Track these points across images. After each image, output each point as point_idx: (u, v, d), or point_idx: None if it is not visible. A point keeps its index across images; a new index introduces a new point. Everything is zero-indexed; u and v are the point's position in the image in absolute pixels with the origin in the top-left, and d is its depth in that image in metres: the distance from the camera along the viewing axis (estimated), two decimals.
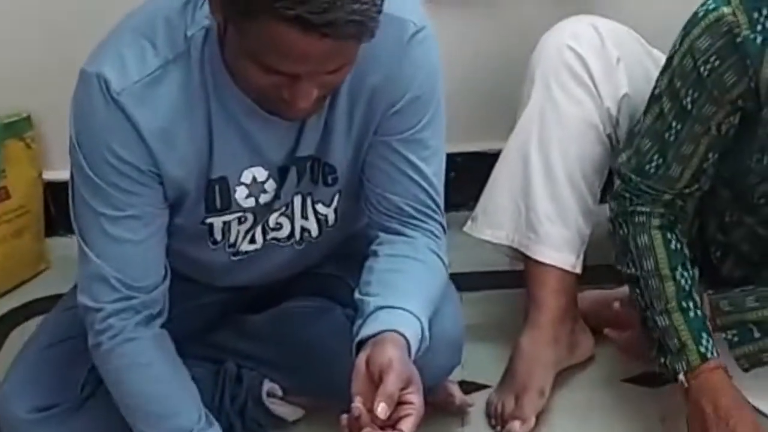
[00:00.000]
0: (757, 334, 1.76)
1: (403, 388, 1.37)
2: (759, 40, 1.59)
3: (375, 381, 1.38)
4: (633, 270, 1.76)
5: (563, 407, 1.89)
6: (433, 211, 1.64)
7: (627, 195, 1.77)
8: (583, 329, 1.97)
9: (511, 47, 2.15)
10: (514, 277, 2.02)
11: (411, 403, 1.38)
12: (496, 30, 2.23)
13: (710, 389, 1.68)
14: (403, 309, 1.48)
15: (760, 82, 1.61)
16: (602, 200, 1.94)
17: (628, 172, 1.77)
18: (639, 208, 1.76)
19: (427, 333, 1.50)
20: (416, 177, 1.61)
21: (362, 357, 1.41)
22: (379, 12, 1.34)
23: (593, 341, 1.98)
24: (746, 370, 1.79)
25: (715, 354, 1.70)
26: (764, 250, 1.85)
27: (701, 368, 1.69)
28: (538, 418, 1.84)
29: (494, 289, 2.15)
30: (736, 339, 1.77)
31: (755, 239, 1.84)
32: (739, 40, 1.60)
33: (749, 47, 1.59)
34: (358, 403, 1.36)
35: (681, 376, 1.70)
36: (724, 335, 1.78)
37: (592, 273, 1.98)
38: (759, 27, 1.58)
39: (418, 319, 1.49)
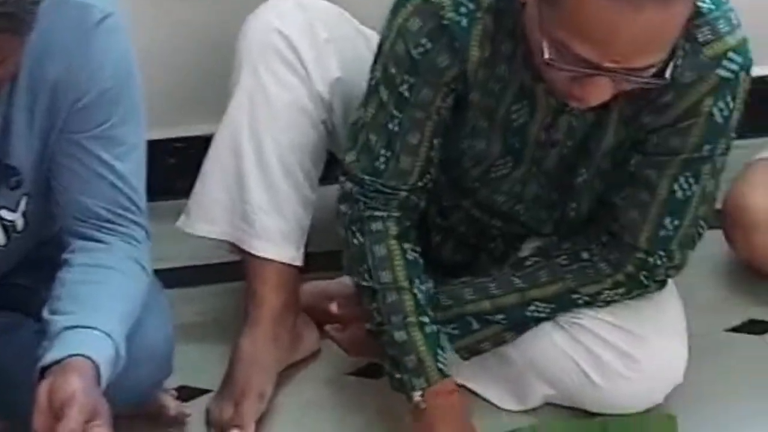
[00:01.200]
0: (476, 326, 1.74)
1: (88, 421, 1.25)
2: (464, 22, 1.54)
3: (58, 414, 1.25)
4: (369, 282, 1.68)
5: (287, 407, 1.81)
6: (133, 213, 1.51)
7: (361, 198, 1.68)
8: (306, 323, 1.89)
9: (222, 27, 2.03)
10: (234, 269, 1.92)
11: None
12: (204, 10, 2.11)
13: (446, 412, 1.63)
14: (94, 328, 1.35)
15: (468, 65, 1.57)
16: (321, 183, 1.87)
17: (359, 172, 1.67)
18: (374, 213, 1.68)
19: (123, 352, 1.38)
20: (111, 177, 1.48)
21: (44, 388, 1.28)
22: (36, 3, 1.20)
23: (318, 335, 1.90)
24: (465, 359, 1.76)
25: (450, 368, 1.66)
26: (480, 231, 1.84)
27: (439, 389, 1.64)
28: (259, 421, 1.75)
29: (213, 283, 2.05)
30: (456, 332, 1.74)
31: (471, 221, 1.82)
32: (445, 22, 1.55)
33: (455, 30, 1.55)
34: None
35: (417, 395, 1.64)
36: (444, 330, 1.73)
37: (315, 260, 1.90)
38: (463, 9, 1.54)
39: (112, 338, 1.36)
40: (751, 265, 2.00)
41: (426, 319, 1.66)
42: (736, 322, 1.97)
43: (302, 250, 1.83)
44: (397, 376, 1.66)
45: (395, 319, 1.66)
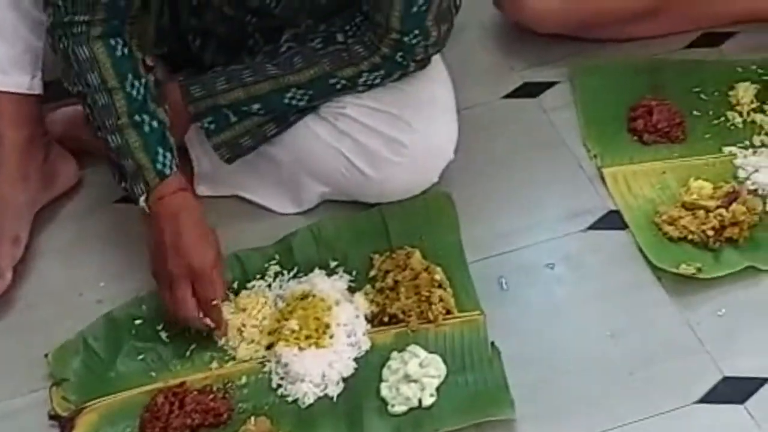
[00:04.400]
0: (233, 119, 1.65)
1: None
2: None
3: None
4: (80, 87, 1.56)
5: (49, 248, 1.71)
6: None
7: (61, 3, 1.54)
8: (61, 155, 1.76)
9: None
10: None
11: None
12: None
13: (172, 216, 1.53)
14: None
15: None
16: None
17: None
18: (75, 18, 1.54)
19: None
20: None
21: None
22: None
23: (75, 166, 1.78)
24: (229, 161, 1.68)
25: (174, 169, 1.55)
26: (238, 30, 1.72)
27: (162, 191, 1.54)
28: (19, 267, 1.64)
29: None
30: (212, 127, 1.65)
31: (226, 20, 1.70)
32: None
33: None
34: None
35: (142, 201, 1.54)
36: (200, 125, 1.65)
37: (58, 88, 1.72)
38: None
39: None
40: (521, 26, 1.94)
41: (143, 118, 1.55)
42: (512, 87, 1.91)
43: (39, 76, 1.68)
44: (123, 184, 1.57)
45: (108, 123, 1.55)
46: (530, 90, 1.90)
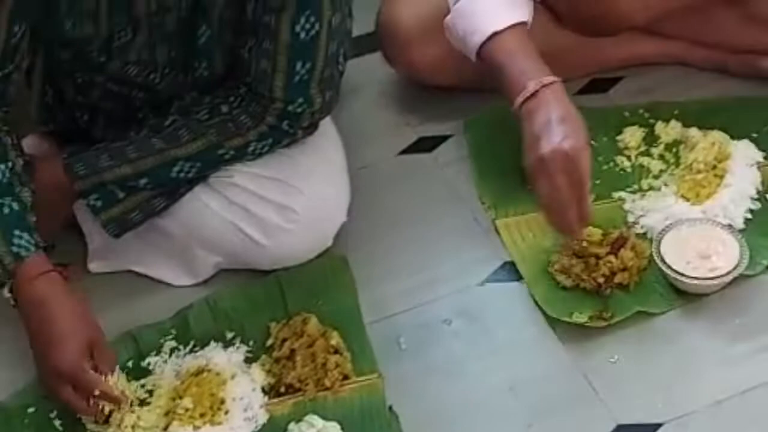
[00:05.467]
0: (120, 194, 1.64)
1: None
2: None
3: None
4: None
5: None
6: None
7: None
8: None
9: None
10: None
11: None
12: None
13: (38, 305, 1.50)
14: None
15: None
16: None
17: None
18: None
19: None
20: None
21: None
22: None
23: None
24: (117, 236, 1.66)
25: (32, 250, 1.51)
26: (125, 106, 1.71)
27: (24, 275, 1.50)
28: None
29: None
30: (99, 204, 1.64)
31: (112, 96, 1.69)
32: None
33: None
34: None
35: (6, 292, 1.51)
36: (86, 201, 1.63)
37: None
38: None
39: None
40: (413, 81, 1.94)
41: (5, 200, 1.52)
42: (407, 143, 1.91)
43: None
44: None
45: None
46: (425, 145, 1.91)
